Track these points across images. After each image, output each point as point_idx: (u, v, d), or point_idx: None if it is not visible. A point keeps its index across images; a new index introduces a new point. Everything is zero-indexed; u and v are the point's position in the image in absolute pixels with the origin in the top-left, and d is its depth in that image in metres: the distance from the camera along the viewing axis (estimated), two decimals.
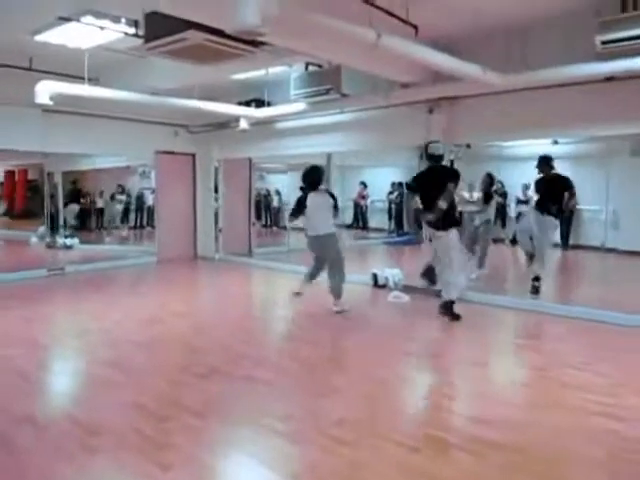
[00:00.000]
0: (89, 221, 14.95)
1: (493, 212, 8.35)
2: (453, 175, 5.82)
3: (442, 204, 5.51)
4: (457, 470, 2.79)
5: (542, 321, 5.96)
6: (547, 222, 6.61)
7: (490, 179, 8.18)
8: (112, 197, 14.38)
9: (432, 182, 5.71)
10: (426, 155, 6.00)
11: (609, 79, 5.45)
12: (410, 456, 2.91)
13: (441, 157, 5.98)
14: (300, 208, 6.08)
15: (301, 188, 6.16)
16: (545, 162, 6.65)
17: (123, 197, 14.51)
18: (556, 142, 9.75)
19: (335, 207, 6.08)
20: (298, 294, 6.29)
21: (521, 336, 5.65)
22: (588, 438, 3.12)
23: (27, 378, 4.12)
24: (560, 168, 6.83)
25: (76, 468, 2.80)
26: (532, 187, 7.46)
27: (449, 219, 5.68)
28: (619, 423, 3.29)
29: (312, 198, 6.03)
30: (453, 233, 5.71)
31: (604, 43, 4.93)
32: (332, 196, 6.14)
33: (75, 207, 13.63)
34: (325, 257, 6.11)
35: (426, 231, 5.88)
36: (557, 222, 6.86)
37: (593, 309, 5.88)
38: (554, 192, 6.55)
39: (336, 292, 6.07)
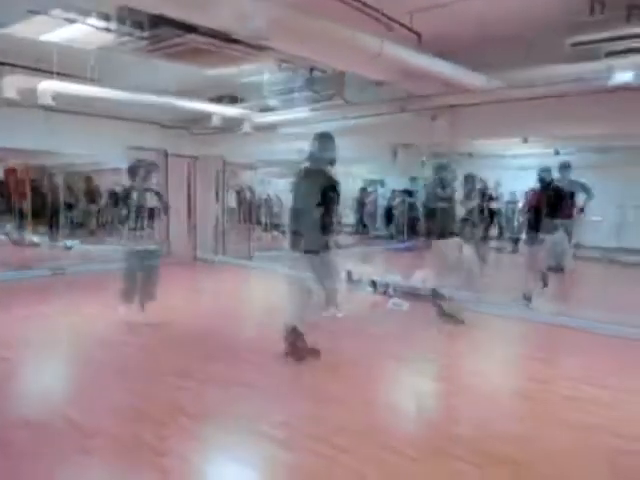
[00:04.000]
0: (89, 221, 14.93)
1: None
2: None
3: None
4: None
5: (543, 331, 5.93)
6: None
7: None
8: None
9: None
10: None
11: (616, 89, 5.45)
12: (412, 466, 2.89)
13: None
14: None
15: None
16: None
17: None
18: (557, 152, 9.75)
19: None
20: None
21: (525, 346, 5.59)
22: (589, 454, 3.09)
23: (21, 379, 4.12)
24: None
25: (73, 471, 2.79)
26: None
27: None
28: (618, 439, 3.25)
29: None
30: None
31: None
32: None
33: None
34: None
35: None
36: None
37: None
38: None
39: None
